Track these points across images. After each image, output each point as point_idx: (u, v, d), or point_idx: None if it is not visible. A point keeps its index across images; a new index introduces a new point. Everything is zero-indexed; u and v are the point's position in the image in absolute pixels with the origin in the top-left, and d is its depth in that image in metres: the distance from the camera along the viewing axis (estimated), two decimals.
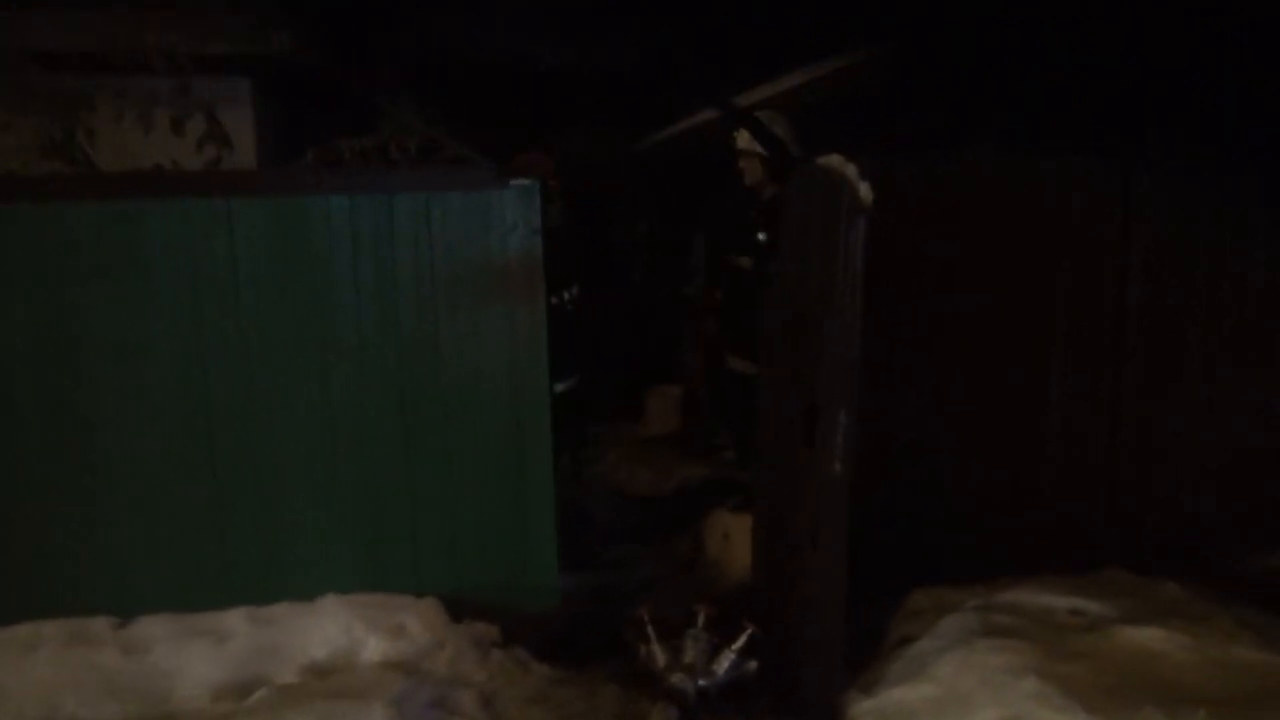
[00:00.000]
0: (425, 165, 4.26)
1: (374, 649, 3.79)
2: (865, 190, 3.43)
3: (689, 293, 8.62)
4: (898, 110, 5.70)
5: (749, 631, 3.90)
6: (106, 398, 3.70)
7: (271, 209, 3.74)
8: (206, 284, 3.73)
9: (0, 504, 3.69)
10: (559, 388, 4.84)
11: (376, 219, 3.84)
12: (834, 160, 3.65)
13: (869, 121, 5.81)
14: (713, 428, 7.57)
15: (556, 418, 4.19)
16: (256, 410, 3.82)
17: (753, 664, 3.83)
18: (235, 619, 3.84)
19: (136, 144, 4.44)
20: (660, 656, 3.96)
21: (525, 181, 3.92)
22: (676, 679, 3.74)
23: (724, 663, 3.85)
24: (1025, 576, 4.17)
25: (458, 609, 4.00)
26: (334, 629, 3.82)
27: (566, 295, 5.20)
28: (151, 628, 3.76)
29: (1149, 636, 3.55)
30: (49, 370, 3.66)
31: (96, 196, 3.61)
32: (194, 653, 3.68)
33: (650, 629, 4.02)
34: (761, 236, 4.80)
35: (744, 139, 5.20)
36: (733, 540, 5.23)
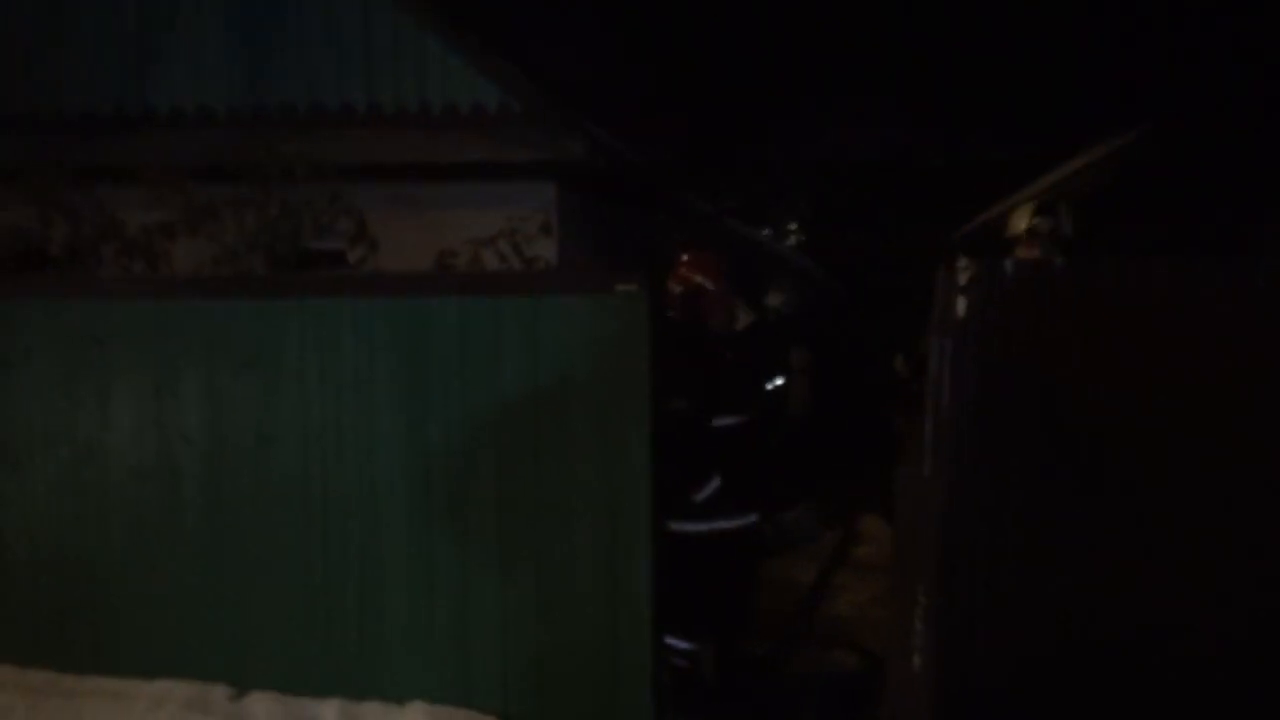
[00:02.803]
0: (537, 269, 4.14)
1: None
2: (961, 306, 2.70)
3: None
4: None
5: None
6: (246, 481, 3.99)
7: (387, 310, 3.84)
8: (333, 381, 3.91)
9: (164, 569, 4.10)
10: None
11: (484, 322, 3.78)
12: (960, 264, 2.95)
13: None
14: None
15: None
16: (362, 506, 3.89)
17: None
18: (329, 710, 3.88)
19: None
20: None
21: (631, 288, 3.64)
22: None
23: None
24: None
25: None
26: None
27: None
28: (258, 704, 3.92)
29: None
30: (205, 454, 4.05)
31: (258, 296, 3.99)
32: None
33: None
34: None
35: (1019, 222, 4.48)
36: None
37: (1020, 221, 4.54)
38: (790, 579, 6.75)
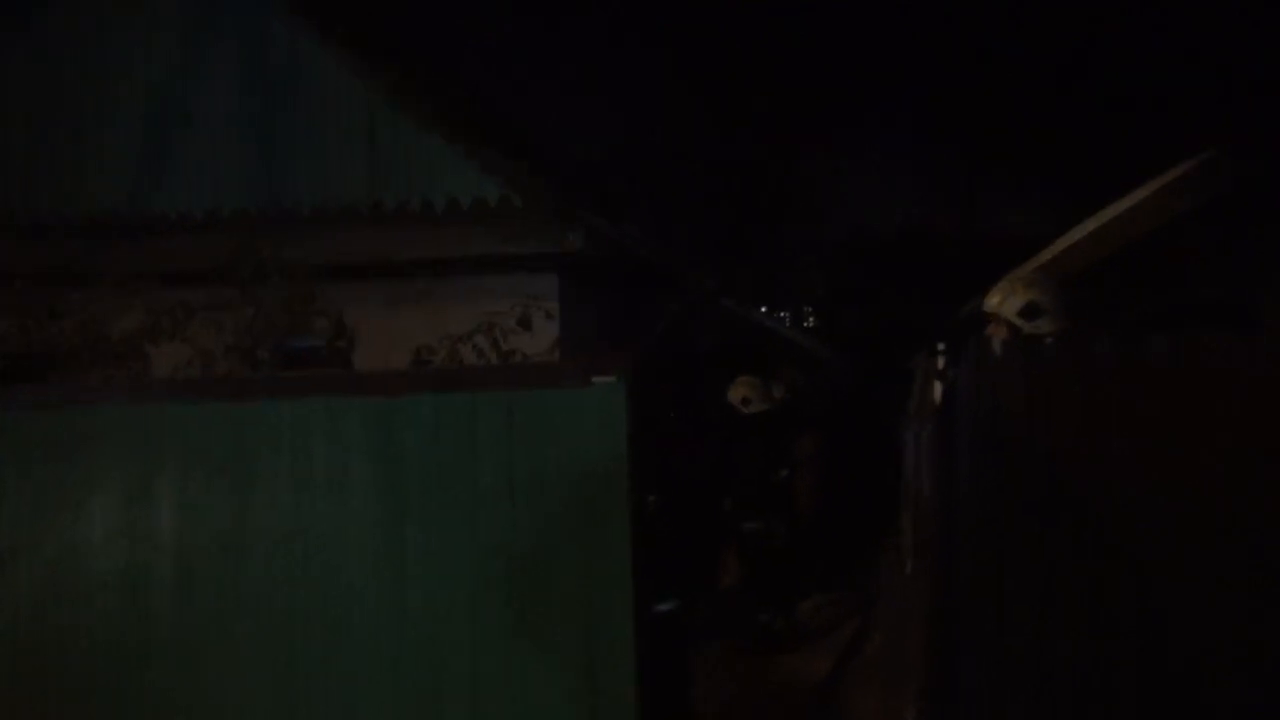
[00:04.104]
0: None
1: None
2: (936, 391, 2.57)
3: None
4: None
5: None
6: (215, 590, 3.87)
7: (361, 410, 3.76)
8: (305, 484, 3.81)
9: (136, 680, 3.94)
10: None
11: (459, 419, 3.68)
12: (937, 350, 2.84)
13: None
14: None
15: None
16: (333, 612, 3.75)
17: None
18: None
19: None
20: None
21: (609, 380, 3.54)
22: None
23: None
24: None
25: None
26: None
27: None
28: None
29: None
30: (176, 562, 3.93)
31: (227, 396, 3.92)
32: None
33: None
34: None
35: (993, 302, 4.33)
36: None
37: (996, 300, 4.36)
38: (804, 673, 6.49)
